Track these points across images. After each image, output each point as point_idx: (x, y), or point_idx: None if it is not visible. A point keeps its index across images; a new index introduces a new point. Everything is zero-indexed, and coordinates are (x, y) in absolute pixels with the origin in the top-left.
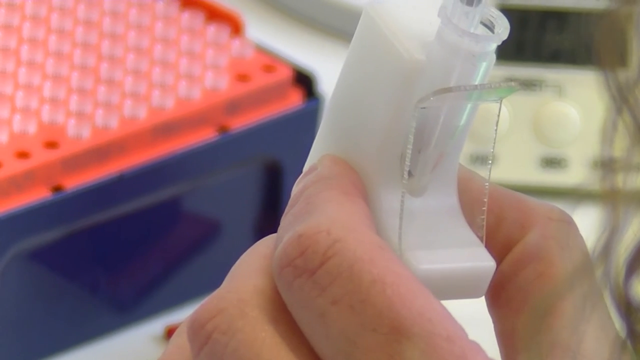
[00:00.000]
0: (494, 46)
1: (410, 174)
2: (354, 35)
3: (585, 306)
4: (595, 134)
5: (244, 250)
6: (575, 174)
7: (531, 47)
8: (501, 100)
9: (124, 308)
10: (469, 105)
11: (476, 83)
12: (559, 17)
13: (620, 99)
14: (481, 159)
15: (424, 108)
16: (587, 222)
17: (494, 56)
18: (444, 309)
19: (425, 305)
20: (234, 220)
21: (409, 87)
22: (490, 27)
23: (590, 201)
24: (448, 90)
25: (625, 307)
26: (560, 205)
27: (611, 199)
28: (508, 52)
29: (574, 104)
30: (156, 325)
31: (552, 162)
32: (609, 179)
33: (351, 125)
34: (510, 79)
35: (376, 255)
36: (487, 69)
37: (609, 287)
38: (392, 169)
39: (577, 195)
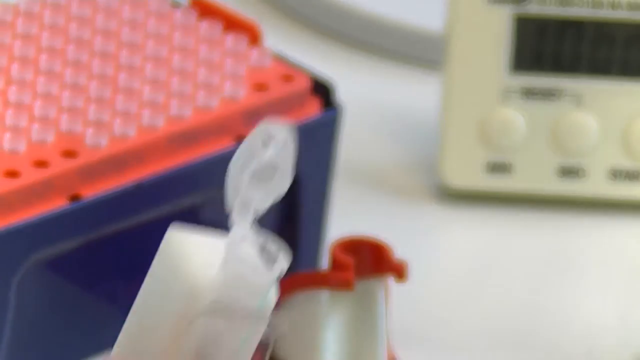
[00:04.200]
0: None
1: None
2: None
3: None
4: (613, 144)
5: None
6: (593, 184)
7: (549, 56)
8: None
9: None
10: (246, 330)
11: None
12: (578, 26)
13: None
14: (499, 167)
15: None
16: (606, 232)
17: (275, 287)
18: None
19: None
20: None
21: (190, 305)
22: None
23: (608, 211)
24: (221, 308)
25: None
26: (578, 215)
27: None
28: (526, 62)
29: (592, 114)
30: None
31: (569, 172)
32: None
33: (144, 334)
34: (528, 89)
35: None
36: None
37: None
38: None
39: (594, 205)
